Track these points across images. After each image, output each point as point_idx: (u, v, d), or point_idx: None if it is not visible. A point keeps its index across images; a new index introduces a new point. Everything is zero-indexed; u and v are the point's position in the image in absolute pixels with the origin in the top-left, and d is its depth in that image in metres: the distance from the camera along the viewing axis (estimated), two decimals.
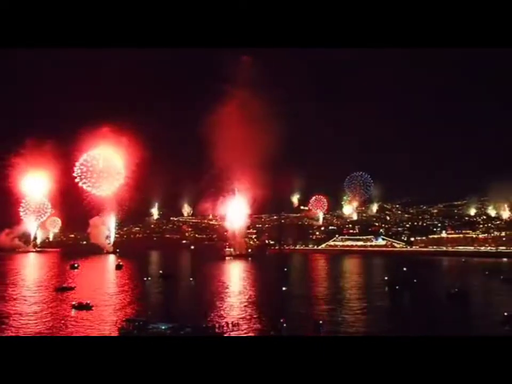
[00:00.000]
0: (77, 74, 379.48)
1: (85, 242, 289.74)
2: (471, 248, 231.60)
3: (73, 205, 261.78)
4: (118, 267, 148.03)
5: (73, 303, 69.35)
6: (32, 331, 52.13)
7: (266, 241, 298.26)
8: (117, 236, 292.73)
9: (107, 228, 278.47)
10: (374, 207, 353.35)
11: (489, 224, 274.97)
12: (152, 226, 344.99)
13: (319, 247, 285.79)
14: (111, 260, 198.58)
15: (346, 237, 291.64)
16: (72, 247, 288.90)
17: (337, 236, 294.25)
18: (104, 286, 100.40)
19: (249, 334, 48.78)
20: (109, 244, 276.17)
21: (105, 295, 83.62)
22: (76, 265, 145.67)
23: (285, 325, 47.20)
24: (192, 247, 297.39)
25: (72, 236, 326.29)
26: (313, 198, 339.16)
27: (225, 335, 48.56)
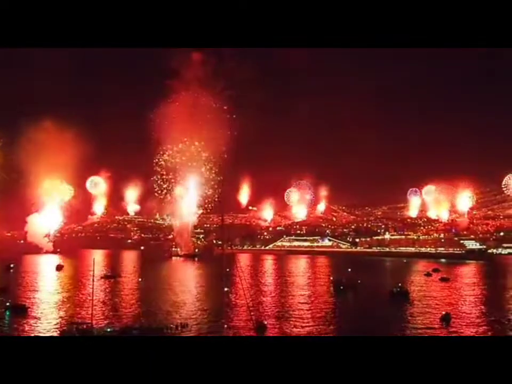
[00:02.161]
0: (19, 66, 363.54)
1: (22, 241, 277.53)
2: (412, 249, 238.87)
3: (9, 201, 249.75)
4: (59, 268, 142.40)
5: (7, 304, 65.78)
6: None
7: (214, 241, 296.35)
8: (57, 234, 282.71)
9: (46, 226, 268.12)
10: (321, 209, 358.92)
11: (430, 226, 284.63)
12: (96, 225, 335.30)
13: (267, 248, 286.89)
14: (51, 260, 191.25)
15: (293, 237, 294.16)
16: (8, 246, 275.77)
17: (284, 236, 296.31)
18: (43, 287, 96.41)
19: (245, 334, 47.89)
20: (49, 243, 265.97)
21: (44, 297, 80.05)
22: (11, 265, 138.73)
23: (226, 325, 46.70)
24: (142, 247, 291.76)
25: (9, 234, 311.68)
26: (263, 198, 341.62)
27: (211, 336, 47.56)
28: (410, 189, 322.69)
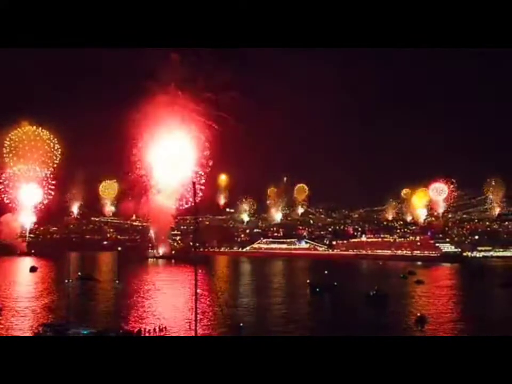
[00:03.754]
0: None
1: None
2: (388, 252, 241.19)
3: None
4: (33, 269, 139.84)
5: None
6: None
7: (191, 243, 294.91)
8: (31, 235, 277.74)
9: (21, 226, 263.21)
10: (299, 211, 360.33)
11: (406, 229, 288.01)
12: (72, 226, 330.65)
13: (244, 250, 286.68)
14: (25, 261, 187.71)
15: (270, 239, 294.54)
16: None
17: (261, 238, 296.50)
18: (16, 289, 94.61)
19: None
20: (23, 243, 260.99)
21: (17, 298, 78.54)
22: None
23: (198, 327, 46.40)
24: (119, 248, 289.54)
25: None
26: (240, 200, 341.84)
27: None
28: (388, 193, 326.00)
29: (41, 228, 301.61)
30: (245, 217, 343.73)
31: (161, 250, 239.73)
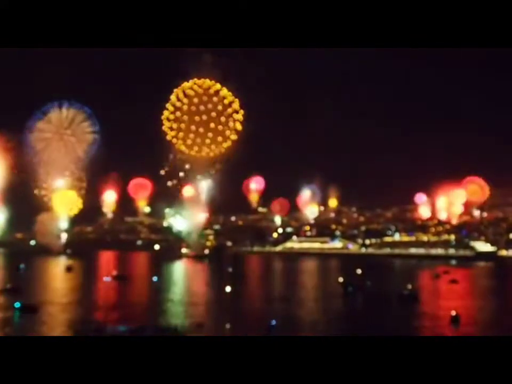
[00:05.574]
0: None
1: (34, 242, 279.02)
2: (422, 251, 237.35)
3: (19, 200, 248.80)
4: (69, 269, 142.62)
5: (16, 305, 66.00)
6: None
7: (223, 242, 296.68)
8: (66, 235, 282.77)
9: (57, 226, 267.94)
10: (331, 210, 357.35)
11: (440, 228, 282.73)
12: (106, 226, 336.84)
13: (276, 249, 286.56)
14: (61, 261, 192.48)
15: (303, 238, 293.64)
16: (19, 247, 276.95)
17: (294, 237, 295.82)
18: (53, 288, 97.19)
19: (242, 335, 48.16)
20: (58, 243, 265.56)
21: (54, 297, 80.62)
22: (21, 266, 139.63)
23: (229, 325, 46.75)
24: (156, 247, 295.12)
25: (20, 235, 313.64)
26: (273, 199, 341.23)
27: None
28: (421, 190, 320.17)
29: (77, 228, 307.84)
30: (277, 217, 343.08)
31: (194, 250, 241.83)
